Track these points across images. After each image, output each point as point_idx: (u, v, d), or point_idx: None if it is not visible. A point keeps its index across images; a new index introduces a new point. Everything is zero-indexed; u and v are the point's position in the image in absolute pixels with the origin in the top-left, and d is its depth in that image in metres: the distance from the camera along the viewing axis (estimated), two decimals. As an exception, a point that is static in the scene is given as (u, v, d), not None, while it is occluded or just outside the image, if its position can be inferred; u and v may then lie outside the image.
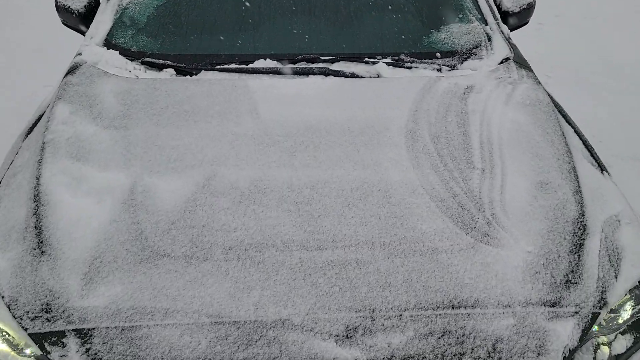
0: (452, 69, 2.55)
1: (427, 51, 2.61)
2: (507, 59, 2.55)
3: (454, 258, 1.76)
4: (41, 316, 1.64)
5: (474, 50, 2.63)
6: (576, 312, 1.69)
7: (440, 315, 1.65)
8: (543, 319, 1.66)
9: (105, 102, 2.28)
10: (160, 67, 2.42)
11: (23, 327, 1.63)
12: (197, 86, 2.33)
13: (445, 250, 1.77)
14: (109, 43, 2.55)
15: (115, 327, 1.61)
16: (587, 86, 4.83)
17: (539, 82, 2.49)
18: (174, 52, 2.50)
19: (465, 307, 1.66)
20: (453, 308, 1.66)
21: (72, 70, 2.45)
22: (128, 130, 2.16)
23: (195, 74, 2.40)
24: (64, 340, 1.61)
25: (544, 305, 1.69)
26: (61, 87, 2.36)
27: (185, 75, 2.40)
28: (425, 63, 2.54)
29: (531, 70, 2.58)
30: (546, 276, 1.74)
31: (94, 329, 1.61)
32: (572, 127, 2.40)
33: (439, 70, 2.54)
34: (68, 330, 1.61)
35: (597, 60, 5.26)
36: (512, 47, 2.70)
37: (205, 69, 2.41)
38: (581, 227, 1.88)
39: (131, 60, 2.45)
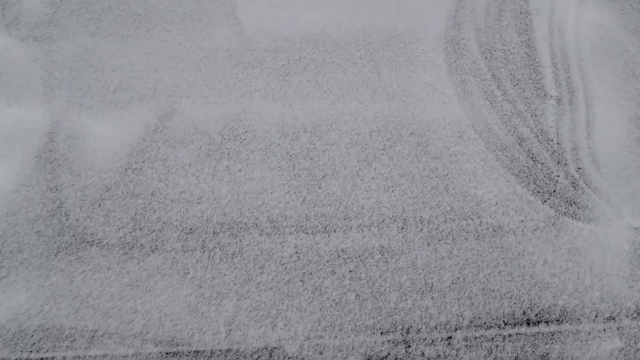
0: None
1: None
2: None
3: (527, 242, 1.18)
4: None
5: None
6: None
7: (510, 336, 1.10)
8: None
9: (23, 2, 1.63)
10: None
11: None
12: (152, -22, 1.68)
13: (514, 229, 1.20)
14: None
15: (17, 359, 1.07)
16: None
17: (625, -32, 1.81)
18: None
19: (547, 322, 1.12)
20: (529, 324, 1.11)
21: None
22: (53, 44, 1.55)
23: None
24: (-58, 377, 1.07)
25: None
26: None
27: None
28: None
29: (611, -49, 1.89)
30: None
31: None
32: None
33: (484, -48, 1.87)
34: None
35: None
36: None
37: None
38: None
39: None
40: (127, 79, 1.46)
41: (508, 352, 1.09)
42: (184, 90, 1.43)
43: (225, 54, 1.51)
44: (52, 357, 1.07)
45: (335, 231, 1.19)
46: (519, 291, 1.14)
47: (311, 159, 1.30)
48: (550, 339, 1.11)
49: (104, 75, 1.47)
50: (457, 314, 1.12)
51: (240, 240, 1.18)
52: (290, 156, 1.30)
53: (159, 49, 1.53)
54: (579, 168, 1.31)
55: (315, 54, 1.51)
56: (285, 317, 1.10)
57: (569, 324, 1.12)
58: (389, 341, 1.09)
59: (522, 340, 1.10)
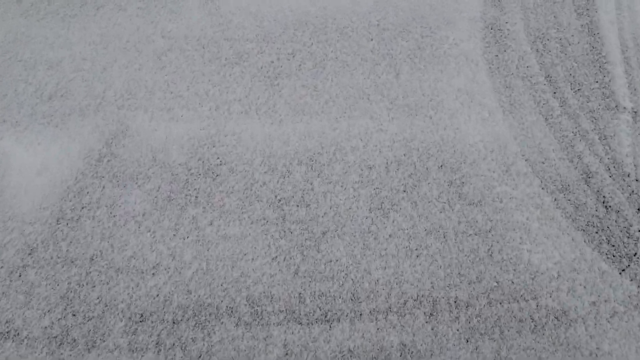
0: None
1: None
2: None
3: (601, 336, 0.87)
4: None
5: None
6: None
7: None
8: None
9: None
10: None
11: None
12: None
13: (583, 316, 0.89)
14: None
15: None
16: None
17: None
18: None
19: None
20: None
21: None
22: None
23: None
24: None
25: None
26: None
27: None
28: None
29: None
30: None
31: None
32: None
33: None
34: None
35: None
36: None
37: None
38: None
39: None
40: (66, 81, 1.11)
41: None
42: (141, 100, 1.08)
43: (196, 45, 1.16)
44: None
45: (339, 320, 0.88)
46: (592, 412, 0.84)
47: (307, 205, 0.97)
48: None
49: (36, 75, 1.12)
50: None
51: (209, 334, 0.87)
52: (280, 201, 0.97)
53: (110, 36, 1.17)
54: (667, 218, 0.99)
55: (314, 46, 1.15)
56: None
57: None
58: None
59: None
